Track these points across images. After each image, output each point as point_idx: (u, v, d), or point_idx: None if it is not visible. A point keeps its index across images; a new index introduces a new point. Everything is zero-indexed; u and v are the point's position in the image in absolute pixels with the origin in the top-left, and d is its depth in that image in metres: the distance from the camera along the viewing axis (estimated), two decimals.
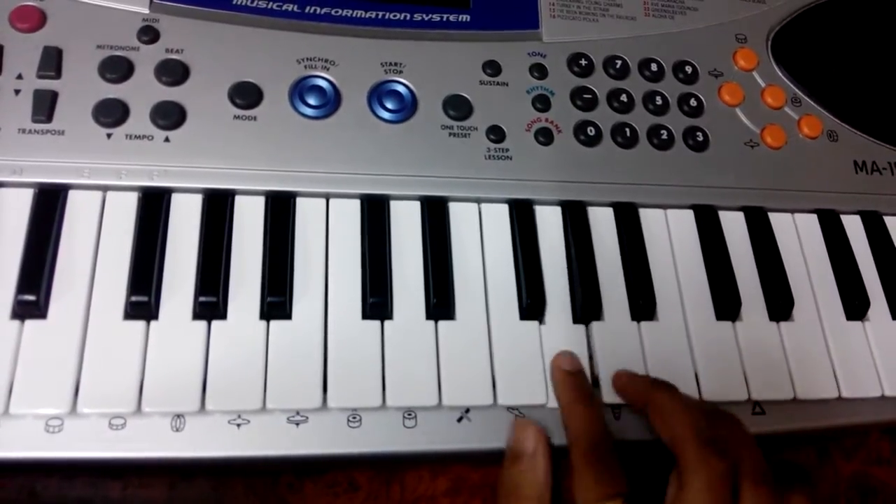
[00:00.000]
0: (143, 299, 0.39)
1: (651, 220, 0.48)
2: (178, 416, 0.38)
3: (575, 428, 0.40)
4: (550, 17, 0.52)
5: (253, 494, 0.41)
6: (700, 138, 0.50)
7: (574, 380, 0.42)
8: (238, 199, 0.44)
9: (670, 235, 0.48)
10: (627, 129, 0.49)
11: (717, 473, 0.34)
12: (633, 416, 0.42)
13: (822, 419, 0.45)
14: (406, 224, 0.45)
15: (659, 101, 0.51)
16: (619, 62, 0.52)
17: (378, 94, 0.47)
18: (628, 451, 0.40)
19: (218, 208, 0.43)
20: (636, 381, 0.42)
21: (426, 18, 0.50)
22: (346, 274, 0.43)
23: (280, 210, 0.44)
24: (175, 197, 0.43)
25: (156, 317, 0.40)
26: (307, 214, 0.44)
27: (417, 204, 0.46)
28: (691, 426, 0.36)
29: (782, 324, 0.46)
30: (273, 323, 0.41)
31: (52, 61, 0.44)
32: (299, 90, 0.47)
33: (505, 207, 0.47)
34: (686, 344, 0.44)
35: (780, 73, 0.54)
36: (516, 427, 0.41)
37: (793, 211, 0.50)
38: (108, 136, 0.43)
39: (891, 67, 0.56)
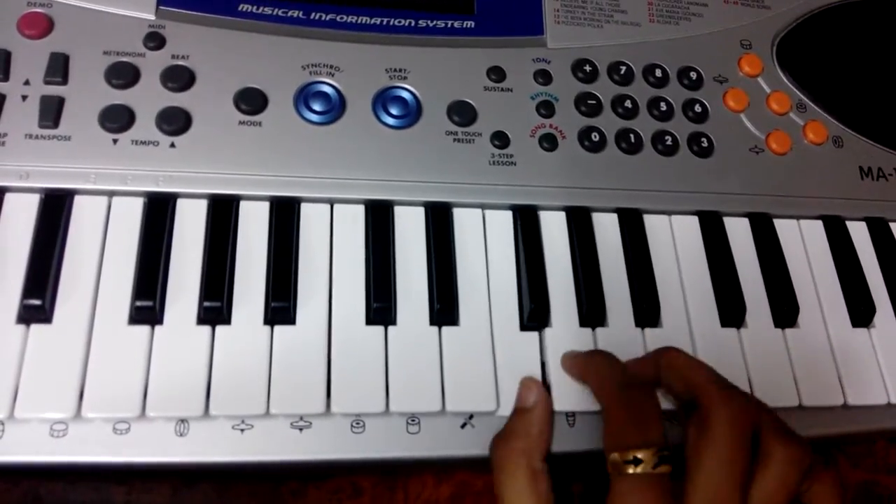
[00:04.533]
0: (147, 304, 0.40)
1: (655, 226, 0.48)
2: (182, 420, 0.39)
3: (598, 373, 0.39)
4: (555, 24, 0.52)
5: (256, 500, 0.41)
6: (705, 144, 0.50)
7: (577, 356, 0.42)
8: (243, 204, 0.44)
9: (675, 241, 0.48)
10: (632, 135, 0.49)
11: (740, 409, 0.34)
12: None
13: (827, 427, 0.45)
14: (410, 230, 0.45)
15: (663, 106, 0.51)
16: (623, 68, 0.52)
17: (383, 99, 0.48)
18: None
19: (223, 213, 0.43)
20: (641, 360, 0.41)
21: (431, 24, 0.50)
22: (350, 279, 0.43)
23: (284, 215, 0.44)
24: (180, 202, 0.44)
25: (160, 322, 0.40)
26: (311, 220, 0.44)
27: (421, 210, 0.46)
28: (711, 374, 0.36)
29: (787, 330, 0.46)
30: (277, 328, 0.41)
31: (58, 67, 0.45)
32: (304, 96, 0.47)
33: (509, 213, 0.47)
34: (691, 350, 0.44)
35: (785, 79, 0.54)
36: (521, 385, 0.41)
37: (798, 217, 0.50)
38: (114, 141, 0.44)
39: None
